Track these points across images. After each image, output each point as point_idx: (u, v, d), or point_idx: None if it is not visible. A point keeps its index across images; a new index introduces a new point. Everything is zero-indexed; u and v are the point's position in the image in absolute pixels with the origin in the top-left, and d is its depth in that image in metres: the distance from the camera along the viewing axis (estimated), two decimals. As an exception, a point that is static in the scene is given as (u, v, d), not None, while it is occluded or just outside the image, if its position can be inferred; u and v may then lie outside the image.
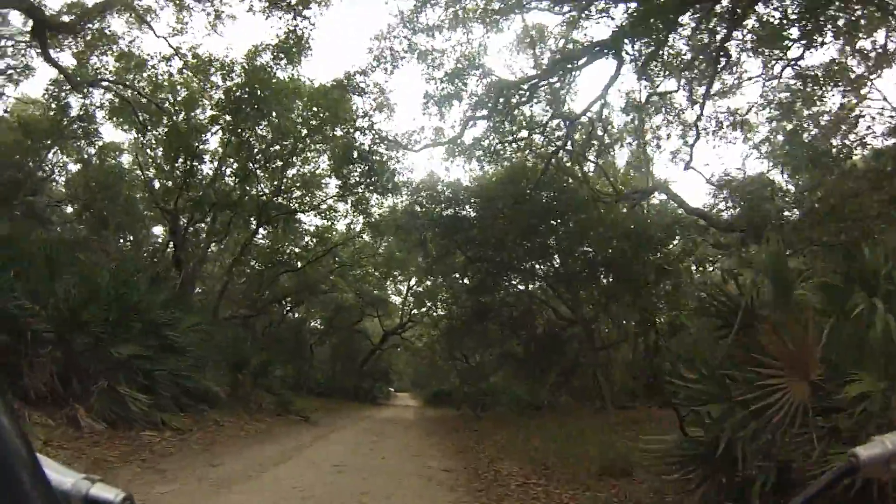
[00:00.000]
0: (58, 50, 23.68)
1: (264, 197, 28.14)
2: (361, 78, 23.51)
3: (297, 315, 43.95)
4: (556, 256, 27.33)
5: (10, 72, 25.77)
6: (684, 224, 25.05)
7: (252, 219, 28.44)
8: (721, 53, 18.46)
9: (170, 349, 14.46)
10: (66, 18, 22.27)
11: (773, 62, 19.60)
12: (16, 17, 23.73)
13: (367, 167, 26.67)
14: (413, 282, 43.16)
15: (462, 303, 31.51)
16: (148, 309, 14.31)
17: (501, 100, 21.18)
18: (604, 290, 27.15)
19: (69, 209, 33.44)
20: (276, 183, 28.81)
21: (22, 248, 14.45)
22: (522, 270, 28.69)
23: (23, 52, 25.25)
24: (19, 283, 12.15)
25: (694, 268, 29.84)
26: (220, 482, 8.52)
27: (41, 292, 12.19)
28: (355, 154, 25.89)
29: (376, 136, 25.46)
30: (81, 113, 26.60)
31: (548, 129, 24.31)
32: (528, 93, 21.51)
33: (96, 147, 29.65)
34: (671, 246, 26.51)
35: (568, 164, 26.52)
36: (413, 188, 27.70)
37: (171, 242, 28.42)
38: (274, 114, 24.62)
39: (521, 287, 31.87)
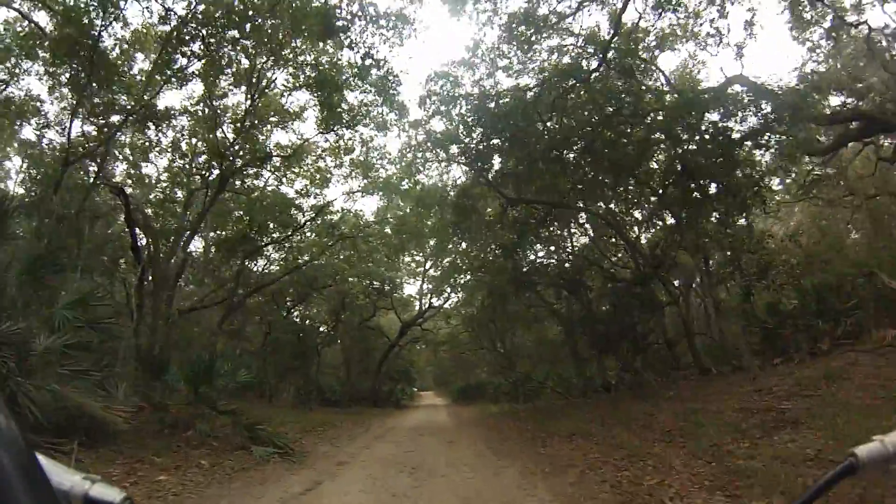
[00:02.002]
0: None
1: (224, 141, 18.51)
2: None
3: (303, 319, 34.09)
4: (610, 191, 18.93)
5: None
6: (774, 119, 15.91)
7: (213, 171, 18.78)
8: None
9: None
10: None
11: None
12: None
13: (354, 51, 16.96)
14: (429, 265, 33.74)
15: (496, 268, 21.92)
16: None
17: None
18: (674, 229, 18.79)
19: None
20: (238, 125, 19.01)
21: None
22: (573, 209, 19.46)
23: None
24: None
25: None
26: None
27: None
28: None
29: None
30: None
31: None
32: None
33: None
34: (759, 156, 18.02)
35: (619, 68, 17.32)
36: (426, 100, 17.96)
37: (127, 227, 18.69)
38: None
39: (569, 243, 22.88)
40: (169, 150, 21.39)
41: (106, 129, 16.37)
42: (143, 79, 16.54)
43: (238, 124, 18.73)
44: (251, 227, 21.38)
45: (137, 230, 19.06)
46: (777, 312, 17.47)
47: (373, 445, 12.53)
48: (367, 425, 18.05)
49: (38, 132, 20.56)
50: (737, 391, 11.90)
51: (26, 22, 16.25)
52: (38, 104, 19.53)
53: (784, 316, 17.16)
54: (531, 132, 16.67)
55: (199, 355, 11.95)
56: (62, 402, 7.97)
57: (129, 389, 10.47)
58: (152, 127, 19.78)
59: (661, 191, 17.67)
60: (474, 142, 17.57)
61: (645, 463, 7.35)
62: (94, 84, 15.25)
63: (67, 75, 16.09)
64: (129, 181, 22.79)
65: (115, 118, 16.68)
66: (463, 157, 18.62)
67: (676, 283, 21.70)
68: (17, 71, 18.04)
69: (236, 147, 18.71)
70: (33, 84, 18.58)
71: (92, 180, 16.77)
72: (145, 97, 16.57)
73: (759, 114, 15.54)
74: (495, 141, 17.42)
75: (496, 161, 18.58)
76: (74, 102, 15.94)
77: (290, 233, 23.30)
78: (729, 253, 18.77)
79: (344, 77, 17.62)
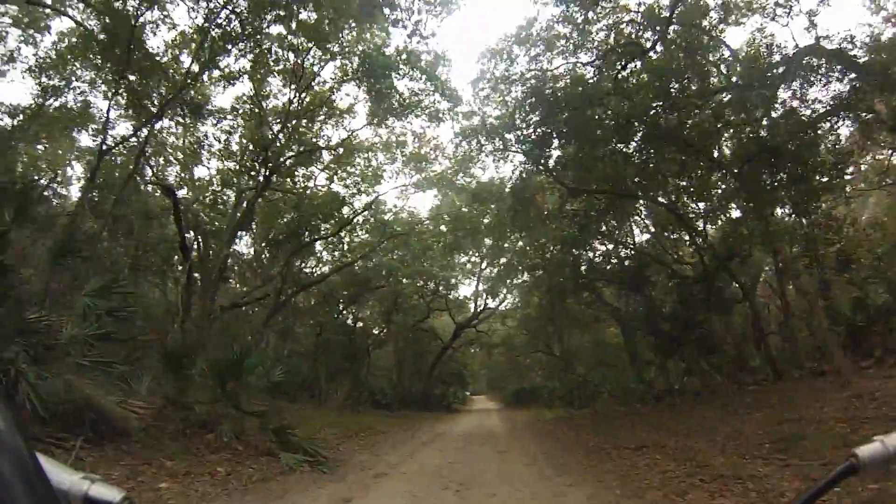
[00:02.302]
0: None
1: (271, 136, 17.61)
2: None
3: (355, 321, 32.94)
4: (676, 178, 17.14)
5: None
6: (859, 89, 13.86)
7: (259, 168, 17.83)
8: None
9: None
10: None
11: None
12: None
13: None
14: (485, 265, 32.37)
15: (556, 263, 20.44)
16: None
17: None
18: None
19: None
20: (286, 119, 18.13)
21: None
22: (636, 198, 17.86)
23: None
24: None
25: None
26: None
27: None
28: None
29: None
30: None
31: None
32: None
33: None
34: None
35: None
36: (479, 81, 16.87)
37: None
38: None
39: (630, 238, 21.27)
40: (219, 153, 20.80)
41: (143, 119, 15.61)
42: (185, 74, 15.73)
43: (284, 117, 17.82)
44: (300, 223, 20.44)
45: (189, 231, 18.52)
46: (865, 308, 15.42)
47: (417, 454, 11.17)
48: (414, 430, 16.76)
49: (93, 137, 20.34)
50: (830, 398, 10.17)
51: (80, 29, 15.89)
52: (95, 111, 19.29)
53: (873, 312, 15.11)
54: (591, 116, 15.21)
55: (233, 350, 10.83)
56: (73, 393, 7.18)
57: (154, 385, 9.56)
58: (200, 126, 19.31)
59: (735, 171, 15.83)
60: (531, 127, 16.18)
61: (743, 486, 5.80)
62: (133, 74, 14.56)
63: (108, 67, 15.41)
64: (182, 183, 22.43)
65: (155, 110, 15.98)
66: (520, 146, 17.22)
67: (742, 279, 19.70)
68: (72, 78, 17.83)
69: (282, 140, 17.81)
70: (87, 92, 17.85)
71: (132, 171, 15.99)
72: (190, 92, 15.95)
73: (846, 80, 13.64)
74: (553, 127, 15.97)
75: (555, 150, 17.22)
76: (112, 92, 15.28)
77: (338, 229, 22.27)
78: (805, 243, 16.92)
79: (392, 62, 16.51)
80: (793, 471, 6.07)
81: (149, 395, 9.35)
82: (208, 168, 23.11)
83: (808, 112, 14.78)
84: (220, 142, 20.34)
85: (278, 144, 17.68)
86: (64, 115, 18.95)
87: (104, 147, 14.91)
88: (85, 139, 21.83)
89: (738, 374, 17.34)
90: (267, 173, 17.45)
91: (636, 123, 15.29)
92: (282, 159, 18.14)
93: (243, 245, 25.12)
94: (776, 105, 15.07)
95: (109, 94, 15.53)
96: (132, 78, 14.88)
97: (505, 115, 16.58)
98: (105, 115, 15.97)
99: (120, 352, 9.10)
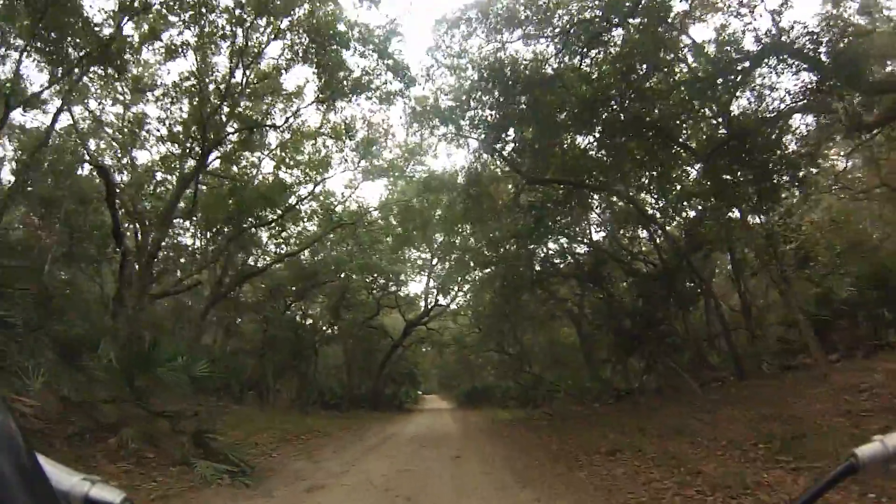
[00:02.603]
0: None
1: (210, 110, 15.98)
2: None
3: (305, 318, 31.18)
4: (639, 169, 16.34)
5: None
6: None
7: (200, 148, 16.14)
8: None
9: None
10: None
11: None
12: None
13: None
14: (435, 261, 31.07)
15: (511, 256, 19.35)
16: None
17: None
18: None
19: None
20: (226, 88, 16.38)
21: None
22: (596, 188, 16.94)
23: None
24: None
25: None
26: None
27: None
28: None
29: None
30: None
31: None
32: None
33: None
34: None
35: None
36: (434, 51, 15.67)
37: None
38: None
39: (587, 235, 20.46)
40: (162, 136, 19.08)
41: (61, 73, 13.86)
42: (115, 30, 13.96)
43: (225, 90, 16.14)
44: (240, 209, 18.72)
45: (128, 220, 16.91)
46: (829, 304, 14.93)
47: (362, 461, 9.75)
48: (362, 433, 15.32)
49: (23, 112, 18.28)
50: (809, 393, 9.38)
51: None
52: (26, 84, 17.25)
53: (838, 307, 14.63)
54: (552, 101, 14.18)
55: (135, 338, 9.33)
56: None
57: (51, 380, 8.02)
58: (141, 105, 17.76)
59: (703, 161, 15.08)
60: (487, 108, 15.04)
61: (754, 499, 4.74)
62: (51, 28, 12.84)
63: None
64: (122, 168, 20.65)
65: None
66: (474, 130, 16.07)
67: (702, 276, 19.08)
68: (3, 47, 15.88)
69: (223, 116, 16.25)
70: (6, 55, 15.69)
71: (49, 125, 14.17)
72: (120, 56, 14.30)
73: (814, 72, 12.96)
74: (510, 109, 14.81)
75: (511, 137, 16.09)
76: (26, 44, 13.44)
77: (279, 216, 20.64)
78: (765, 240, 16.37)
79: (343, 35, 15.18)
80: (808, 476, 5.05)
81: (47, 393, 7.87)
82: (150, 152, 21.46)
83: (776, 104, 14.16)
84: (161, 122, 18.75)
85: (218, 119, 16.10)
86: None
87: (10, 104, 13.01)
88: (17, 116, 19.87)
89: (700, 371, 16.68)
90: (206, 151, 15.85)
91: (598, 110, 14.35)
92: (222, 136, 16.54)
93: (188, 236, 23.42)
94: (743, 96, 14.47)
95: (23, 45, 13.63)
96: (52, 34, 13.21)
97: (460, 94, 15.42)
98: (15, 67, 14.04)
99: (20, 342, 7.78)
